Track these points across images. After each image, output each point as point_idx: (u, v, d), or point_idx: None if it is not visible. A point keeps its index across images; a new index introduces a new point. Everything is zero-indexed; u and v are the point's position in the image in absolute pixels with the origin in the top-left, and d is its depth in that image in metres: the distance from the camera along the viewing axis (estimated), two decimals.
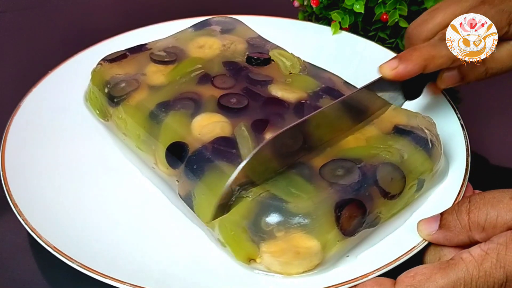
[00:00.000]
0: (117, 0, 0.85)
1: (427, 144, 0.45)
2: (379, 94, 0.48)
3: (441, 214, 0.40)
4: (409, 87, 0.49)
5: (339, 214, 0.40)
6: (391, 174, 0.43)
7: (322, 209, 0.40)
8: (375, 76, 0.48)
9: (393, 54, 0.60)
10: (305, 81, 0.54)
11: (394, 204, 0.43)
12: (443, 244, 0.40)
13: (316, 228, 0.39)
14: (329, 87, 0.53)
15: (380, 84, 0.47)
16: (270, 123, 0.47)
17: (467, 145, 0.49)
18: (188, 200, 0.45)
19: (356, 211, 0.41)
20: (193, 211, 0.44)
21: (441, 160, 0.46)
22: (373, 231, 0.43)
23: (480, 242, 0.37)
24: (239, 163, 0.41)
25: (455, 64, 0.46)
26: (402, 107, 0.50)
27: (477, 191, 0.45)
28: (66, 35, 0.74)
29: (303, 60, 0.56)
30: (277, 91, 0.52)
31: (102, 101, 0.53)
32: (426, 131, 0.46)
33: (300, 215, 0.39)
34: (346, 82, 0.54)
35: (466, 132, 0.51)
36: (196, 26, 0.61)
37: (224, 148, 0.45)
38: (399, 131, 0.46)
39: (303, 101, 0.51)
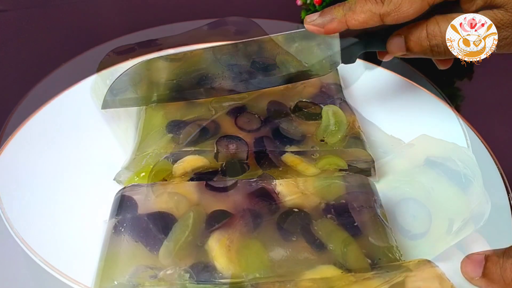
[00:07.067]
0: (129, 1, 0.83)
1: (460, 178, 0.39)
2: (317, 49, 0.47)
3: (485, 259, 0.36)
4: (346, 53, 0.48)
5: None
6: (413, 211, 0.38)
7: None
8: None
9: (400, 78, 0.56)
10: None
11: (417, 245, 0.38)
12: None
13: None
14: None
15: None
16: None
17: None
18: None
19: None
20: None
21: (481, 198, 0.40)
22: None
23: None
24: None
25: (383, 21, 0.42)
26: None
27: None
28: (70, 34, 0.73)
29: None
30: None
31: (104, 92, 0.51)
32: (459, 163, 0.40)
33: None
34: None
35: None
36: (211, 25, 0.60)
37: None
38: (430, 163, 0.41)
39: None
